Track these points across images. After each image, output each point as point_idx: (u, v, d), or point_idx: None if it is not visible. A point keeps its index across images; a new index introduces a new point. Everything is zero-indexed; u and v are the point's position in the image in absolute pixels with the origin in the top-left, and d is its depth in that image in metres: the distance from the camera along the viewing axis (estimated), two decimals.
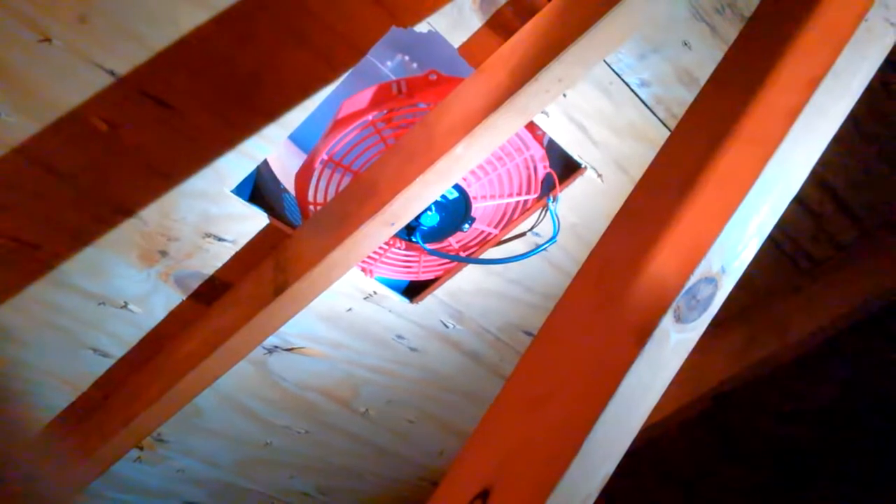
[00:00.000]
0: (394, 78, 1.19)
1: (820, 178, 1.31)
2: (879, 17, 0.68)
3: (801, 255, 1.45)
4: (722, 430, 1.81)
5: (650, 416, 0.63)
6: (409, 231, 1.19)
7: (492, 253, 1.32)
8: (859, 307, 1.44)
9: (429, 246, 1.22)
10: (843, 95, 0.69)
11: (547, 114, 1.14)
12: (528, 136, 1.16)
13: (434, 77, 1.13)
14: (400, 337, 1.43)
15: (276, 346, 1.37)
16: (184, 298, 1.23)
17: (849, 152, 1.27)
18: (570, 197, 1.27)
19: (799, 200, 1.34)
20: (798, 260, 1.46)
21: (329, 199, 1.17)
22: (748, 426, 1.80)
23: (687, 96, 1.15)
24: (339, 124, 1.12)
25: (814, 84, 0.67)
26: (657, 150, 0.73)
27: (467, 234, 1.25)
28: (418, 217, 1.17)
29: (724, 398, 1.58)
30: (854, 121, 1.21)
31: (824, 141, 0.70)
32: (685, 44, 1.09)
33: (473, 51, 1.03)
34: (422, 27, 1.00)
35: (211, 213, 1.13)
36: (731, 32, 1.08)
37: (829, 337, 1.48)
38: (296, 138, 1.27)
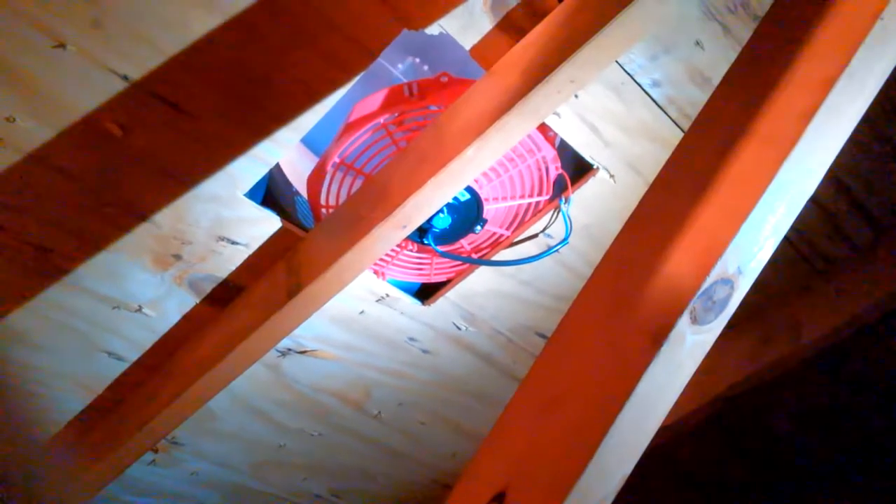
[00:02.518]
0: (405, 80, 1.19)
1: (834, 177, 1.30)
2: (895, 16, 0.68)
3: (814, 255, 1.44)
4: (734, 432, 1.80)
5: None
6: (421, 233, 1.19)
7: (504, 255, 1.32)
8: (873, 308, 1.42)
9: (441, 248, 1.22)
10: (858, 96, 0.69)
11: (559, 115, 1.14)
12: (539, 138, 1.15)
13: (445, 79, 1.13)
14: (412, 339, 1.43)
15: (290, 349, 1.37)
16: (197, 302, 1.23)
17: (863, 152, 1.26)
18: (583, 198, 1.26)
19: (813, 200, 1.33)
20: (812, 260, 1.45)
21: (341, 202, 1.17)
22: (760, 428, 1.79)
23: (699, 96, 1.15)
24: (350, 127, 1.12)
25: (828, 84, 0.67)
26: (669, 150, 0.73)
27: (479, 235, 1.25)
28: (430, 219, 1.17)
29: (736, 400, 1.58)
30: (868, 121, 1.20)
31: (840, 141, 0.69)
32: (697, 44, 1.09)
33: (485, 52, 1.03)
34: (433, 29, 1.00)
35: (224, 217, 1.14)
36: (744, 32, 1.08)
37: (842, 338, 1.46)
38: (308, 142, 1.27)
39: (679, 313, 0.60)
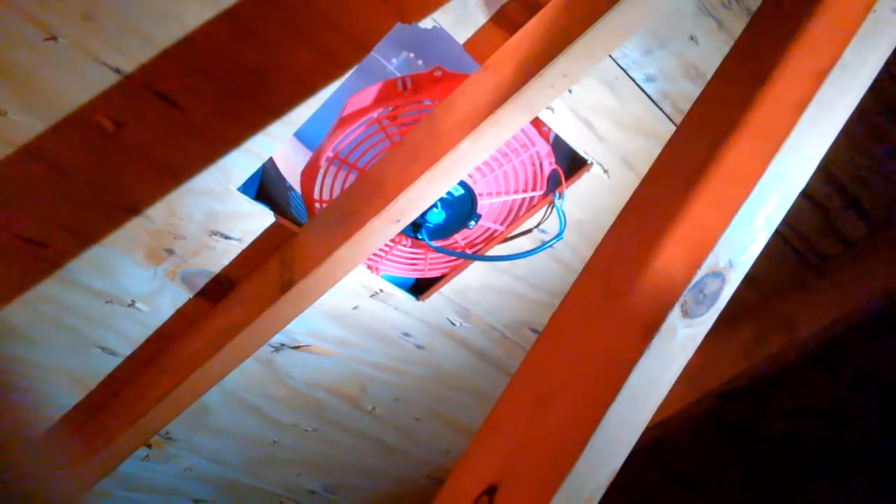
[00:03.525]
0: (399, 75, 1.19)
1: (827, 172, 1.30)
2: (888, 8, 0.68)
3: (809, 252, 1.44)
4: (728, 429, 1.80)
5: (656, 414, 0.63)
6: (415, 228, 1.19)
7: (498, 250, 1.31)
8: (867, 304, 1.43)
9: (435, 243, 1.21)
10: (850, 88, 0.69)
11: (552, 109, 1.14)
12: (533, 133, 1.15)
13: (439, 73, 1.13)
14: (406, 335, 1.43)
15: (283, 344, 1.37)
16: (190, 297, 1.23)
17: (857, 147, 1.26)
18: (577, 193, 1.26)
19: (806, 195, 1.33)
20: (807, 256, 1.45)
21: (335, 196, 1.16)
22: (754, 424, 1.79)
23: (693, 91, 1.15)
24: (344, 121, 1.12)
25: (821, 77, 0.67)
26: (663, 145, 0.73)
27: (473, 231, 1.25)
28: (424, 214, 1.17)
29: (730, 396, 1.58)
30: (862, 115, 1.20)
31: (832, 134, 0.69)
32: (692, 38, 1.09)
33: (478, 46, 1.03)
34: (427, 23, 0.99)
35: (217, 211, 1.13)
36: (738, 26, 1.08)
37: (836, 335, 1.47)
38: (301, 136, 1.27)
39: (670, 306, 0.60)
